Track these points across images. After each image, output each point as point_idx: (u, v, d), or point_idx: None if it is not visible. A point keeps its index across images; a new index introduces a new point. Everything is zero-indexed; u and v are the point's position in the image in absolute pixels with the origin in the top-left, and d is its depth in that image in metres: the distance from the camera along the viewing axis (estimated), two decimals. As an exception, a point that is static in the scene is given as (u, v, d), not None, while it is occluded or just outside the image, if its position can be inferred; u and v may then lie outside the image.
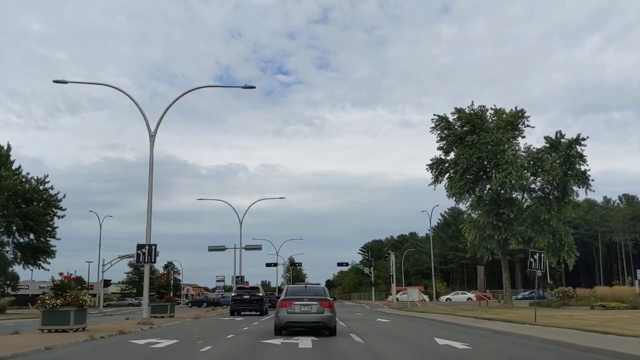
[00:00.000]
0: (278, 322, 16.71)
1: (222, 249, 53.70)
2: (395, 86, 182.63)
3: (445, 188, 42.66)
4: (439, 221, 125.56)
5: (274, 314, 17.46)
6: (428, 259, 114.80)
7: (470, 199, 42.47)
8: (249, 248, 53.72)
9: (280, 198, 51.23)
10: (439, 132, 43.42)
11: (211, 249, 53.84)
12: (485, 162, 41.09)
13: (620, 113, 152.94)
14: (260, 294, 35.34)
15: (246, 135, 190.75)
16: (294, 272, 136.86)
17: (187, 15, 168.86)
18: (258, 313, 33.38)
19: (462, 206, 44.78)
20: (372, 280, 77.22)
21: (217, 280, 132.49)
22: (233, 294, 37.34)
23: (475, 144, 39.72)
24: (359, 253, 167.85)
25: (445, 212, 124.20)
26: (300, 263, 76.77)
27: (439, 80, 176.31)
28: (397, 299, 66.66)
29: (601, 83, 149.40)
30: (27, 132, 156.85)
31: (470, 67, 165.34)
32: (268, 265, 76.46)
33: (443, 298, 71.33)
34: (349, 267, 79.31)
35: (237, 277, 50.80)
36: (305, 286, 18.63)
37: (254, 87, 22.75)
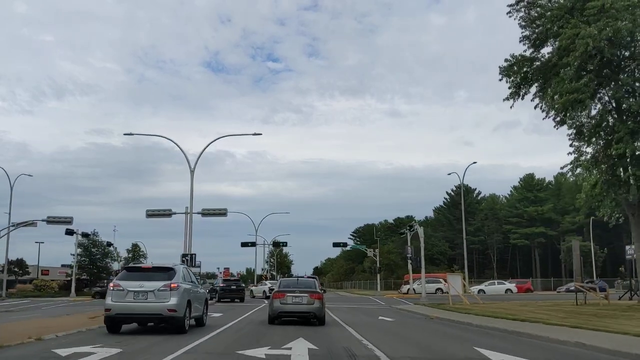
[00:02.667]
0: (272, 312, 17.21)
1: (167, 214, 34.44)
2: (385, 75, 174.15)
3: (538, 102, 23.79)
4: (444, 200, 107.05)
5: (268, 304, 17.92)
6: (439, 242, 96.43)
7: (595, 112, 23.05)
8: (207, 214, 34.38)
9: (256, 134, 31.39)
10: (522, 13, 24.54)
11: (151, 215, 34.63)
12: (619, 50, 22.14)
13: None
14: (243, 285, 40.27)
15: (234, 122, 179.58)
16: (279, 257, 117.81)
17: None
18: (239, 301, 36.11)
19: (566, 130, 24.40)
20: (378, 265, 58.26)
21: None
22: (222, 284, 40.33)
23: (606, 10, 20.75)
24: (350, 238, 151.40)
25: (452, 191, 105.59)
26: (285, 243, 57.30)
27: (428, 69, 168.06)
28: (414, 290, 47.91)
29: None
30: (12, 117, 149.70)
31: (460, 56, 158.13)
32: (244, 245, 57.26)
33: (474, 289, 52.49)
34: (349, 248, 60.02)
35: (184, 256, 31.55)
36: (297, 279, 19.30)
37: None
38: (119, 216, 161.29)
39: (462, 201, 51.82)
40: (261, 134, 31.74)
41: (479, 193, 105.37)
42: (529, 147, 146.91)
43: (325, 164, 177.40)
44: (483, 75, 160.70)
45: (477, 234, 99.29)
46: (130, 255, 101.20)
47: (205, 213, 34.28)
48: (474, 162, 49.45)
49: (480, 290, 51.26)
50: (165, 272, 13.50)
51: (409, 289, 49.75)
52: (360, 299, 44.62)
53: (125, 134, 29.87)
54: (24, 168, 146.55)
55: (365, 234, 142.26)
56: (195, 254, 31.48)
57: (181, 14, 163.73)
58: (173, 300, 12.84)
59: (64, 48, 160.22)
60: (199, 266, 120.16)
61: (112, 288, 13.35)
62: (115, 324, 13.35)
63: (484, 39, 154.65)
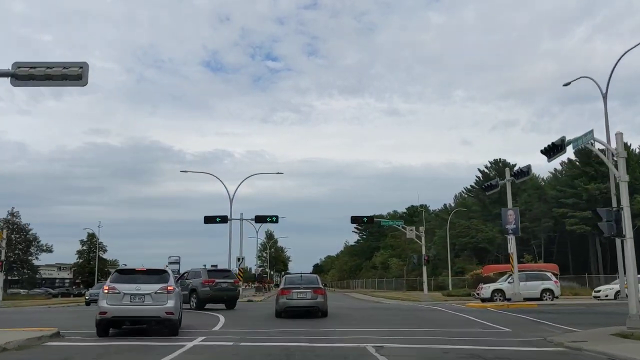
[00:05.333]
0: (278, 307, 17.88)
1: None
2: (384, 74, 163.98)
3: None
4: (476, 179, 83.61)
5: (275, 300, 18.62)
6: (484, 226, 72.63)
7: None
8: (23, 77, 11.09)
9: None
10: None
11: None
12: None
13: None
14: None
15: (233, 122, 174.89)
16: (273, 250, 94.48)
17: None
18: None
19: None
20: (425, 253, 34.54)
21: (170, 262, 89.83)
22: None
23: None
24: (354, 232, 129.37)
25: (486, 167, 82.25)
26: (275, 218, 33.42)
27: (427, 67, 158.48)
28: (502, 292, 24.60)
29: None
30: (10, 116, 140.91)
31: (459, 54, 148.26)
32: (209, 220, 34.03)
33: (604, 292, 28.92)
34: (378, 222, 36.05)
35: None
36: (301, 276, 19.77)
37: None
38: (118, 216, 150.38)
39: (605, 128, 28.37)
40: None
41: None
42: (528, 145, 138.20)
43: (324, 164, 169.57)
44: (482, 74, 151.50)
45: (520, 219, 75.76)
46: (84, 248, 78.05)
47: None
48: (635, 46, 26.33)
49: (618, 293, 27.76)
50: (160, 275, 13.06)
51: (494, 292, 26.44)
52: (419, 312, 21.25)
53: None
54: (22, 168, 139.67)
55: (372, 226, 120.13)
56: None
57: (180, 13, 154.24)
58: (170, 303, 12.43)
59: (62, 47, 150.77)
60: (178, 262, 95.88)
61: (106, 291, 12.61)
62: (108, 327, 12.78)
63: (483, 37, 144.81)
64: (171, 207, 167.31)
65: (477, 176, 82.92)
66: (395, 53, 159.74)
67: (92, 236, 76.53)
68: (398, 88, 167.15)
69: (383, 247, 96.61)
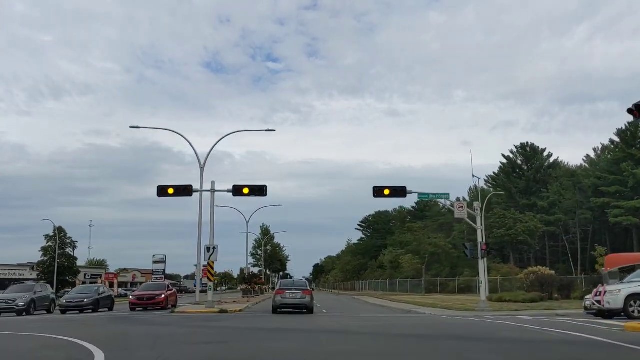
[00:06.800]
0: (274, 304, 22.00)
1: None
2: (384, 74, 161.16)
3: None
4: (501, 166, 71.93)
5: (272, 298, 23.15)
6: (524, 216, 60.68)
7: None
8: None
9: None
10: None
11: None
12: None
13: (605, 103, 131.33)
14: None
15: (233, 122, 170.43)
16: (270, 247, 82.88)
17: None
18: None
19: None
20: (483, 240, 22.52)
21: (155, 262, 77.90)
22: None
23: None
24: (357, 229, 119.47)
25: (513, 152, 70.82)
26: (264, 188, 22.41)
27: (427, 68, 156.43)
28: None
29: (588, 73, 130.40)
30: (9, 117, 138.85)
31: (459, 55, 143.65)
32: (164, 192, 22.61)
33: None
34: (413, 195, 23.88)
35: None
36: (293, 280, 26.02)
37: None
38: (117, 217, 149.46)
39: None
40: None
41: (550, 155, 70.44)
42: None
43: (324, 164, 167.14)
44: (482, 74, 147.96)
45: (552, 211, 64.39)
46: (49, 244, 66.55)
47: None
48: None
49: None
50: None
51: (630, 299, 15.17)
52: (571, 348, 9.89)
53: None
54: (22, 169, 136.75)
55: (378, 222, 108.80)
56: None
57: (180, 13, 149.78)
58: None
59: (62, 48, 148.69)
60: (164, 261, 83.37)
61: None
62: None
63: (483, 38, 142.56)
64: (171, 208, 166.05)
65: (501, 163, 71.48)
66: (395, 53, 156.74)
67: (60, 230, 65.03)
68: (398, 88, 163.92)
69: (391, 245, 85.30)
